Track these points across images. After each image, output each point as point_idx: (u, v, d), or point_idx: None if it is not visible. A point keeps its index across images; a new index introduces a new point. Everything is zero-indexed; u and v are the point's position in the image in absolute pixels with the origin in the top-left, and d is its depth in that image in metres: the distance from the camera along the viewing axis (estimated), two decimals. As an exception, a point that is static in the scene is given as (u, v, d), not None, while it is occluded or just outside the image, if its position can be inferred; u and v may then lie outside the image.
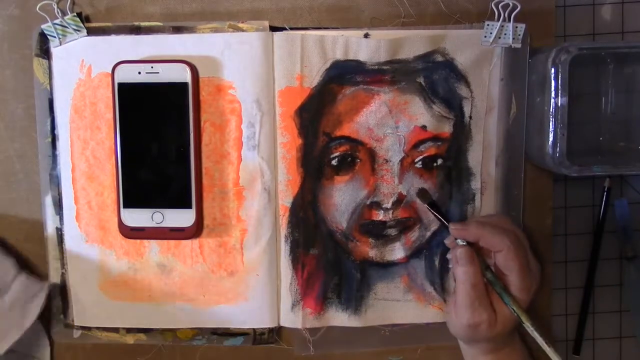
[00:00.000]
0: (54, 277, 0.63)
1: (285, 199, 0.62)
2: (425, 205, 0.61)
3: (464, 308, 0.56)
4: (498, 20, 0.59)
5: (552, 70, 0.55)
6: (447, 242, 0.61)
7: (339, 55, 0.60)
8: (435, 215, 0.60)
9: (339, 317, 0.64)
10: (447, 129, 0.61)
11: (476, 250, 0.57)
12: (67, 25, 0.60)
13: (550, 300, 0.66)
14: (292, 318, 0.63)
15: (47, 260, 0.63)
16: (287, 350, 0.65)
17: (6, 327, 0.58)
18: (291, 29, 0.60)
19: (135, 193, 0.60)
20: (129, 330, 0.65)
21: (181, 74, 0.58)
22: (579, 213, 0.67)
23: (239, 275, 0.62)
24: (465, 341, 0.60)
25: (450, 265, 0.61)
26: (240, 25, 0.60)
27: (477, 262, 0.57)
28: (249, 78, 0.60)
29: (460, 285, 0.56)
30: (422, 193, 0.62)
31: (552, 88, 0.55)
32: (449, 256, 0.61)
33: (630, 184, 0.67)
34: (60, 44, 0.60)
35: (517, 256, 0.56)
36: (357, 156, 0.61)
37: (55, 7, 0.59)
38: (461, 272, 0.56)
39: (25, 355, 0.62)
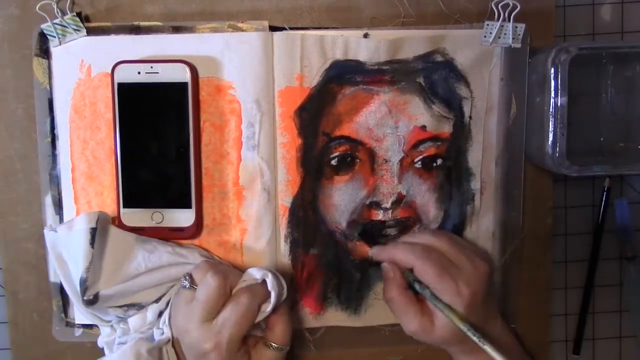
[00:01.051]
0: (54, 277, 0.63)
1: (285, 199, 0.62)
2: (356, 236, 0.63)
3: (400, 319, 0.57)
4: (498, 20, 0.59)
5: (552, 70, 0.55)
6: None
7: (339, 55, 0.60)
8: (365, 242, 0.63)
9: (338, 317, 0.64)
10: (446, 129, 0.61)
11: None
12: (66, 25, 0.60)
13: (550, 300, 0.66)
14: (291, 318, 0.63)
15: (47, 260, 0.63)
16: (286, 350, 0.65)
17: None
18: (291, 28, 0.60)
19: (134, 193, 0.60)
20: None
21: (181, 74, 0.58)
22: (579, 213, 0.67)
23: (239, 275, 0.62)
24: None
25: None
26: (240, 25, 0.60)
27: (397, 276, 0.57)
28: (248, 78, 0.60)
29: (389, 301, 0.58)
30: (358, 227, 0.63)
31: (552, 88, 0.55)
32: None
33: (630, 184, 0.67)
34: (60, 44, 0.60)
35: (429, 268, 0.55)
36: (357, 156, 0.61)
37: (55, 6, 0.59)
38: (385, 288, 0.58)
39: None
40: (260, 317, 0.55)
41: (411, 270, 0.57)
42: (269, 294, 0.55)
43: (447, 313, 0.54)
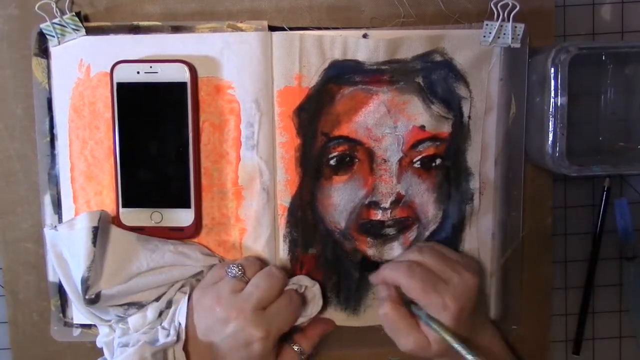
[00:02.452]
0: (53, 276, 0.63)
1: (284, 199, 0.62)
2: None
3: (394, 338, 0.58)
4: (497, 20, 0.59)
5: (552, 70, 0.55)
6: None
7: (338, 55, 0.60)
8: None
9: (337, 317, 0.64)
10: (445, 128, 0.61)
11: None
12: (66, 25, 0.60)
13: (550, 301, 0.66)
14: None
15: (46, 260, 0.63)
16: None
17: None
18: (290, 28, 0.60)
19: (134, 193, 0.60)
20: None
21: (180, 74, 0.58)
22: (579, 213, 0.67)
23: (238, 274, 0.63)
24: None
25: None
26: (239, 25, 0.60)
27: (391, 292, 0.58)
28: (247, 78, 0.60)
29: (383, 321, 0.58)
30: (362, 227, 0.63)
31: (552, 88, 0.55)
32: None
33: (630, 184, 0.67)
34: (59, 44, 0.60)
35: (414, 285, 0.55)
36: (356, 156, 0.61)
37: (54, 6, 0.59)
38: (380, 311, 0.58)
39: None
40: (298, 321, 0.60)
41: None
42: (305, 302, 0.60)
43: (437, 328, 0.54)
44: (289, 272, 0.62)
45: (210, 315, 0.55)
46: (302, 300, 0.60)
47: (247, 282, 0.57)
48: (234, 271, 0.57)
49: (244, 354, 0.54)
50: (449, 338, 0.54)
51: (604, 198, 0.66)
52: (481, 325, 0.59)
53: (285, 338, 0.60)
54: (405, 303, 0.58)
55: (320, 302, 0.61)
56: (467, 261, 0.60)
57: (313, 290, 0.61)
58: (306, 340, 0.61)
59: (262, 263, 0.60)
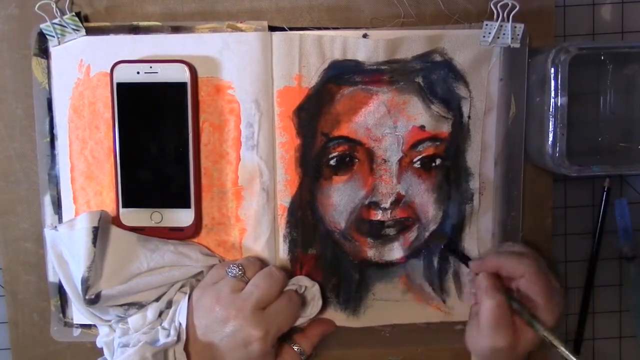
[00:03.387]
0: (53, 276, 0.63)
1: (284, 199, 0.62)
2: (443, 247, 0.62)
3: (490, 333, 0.55)
4: (497, 20, 0.59)
5: (552, 70, 0.55)
6: (469, 277, 0.62)
7: (337, 55, 0.60)
8: (455, 257, 0.62)
9: (337, 318, 0.64)
10: (445, 129, 0.61)
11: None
12: (65, 25, 0.60)
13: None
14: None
15: (46, 260, 0.63)
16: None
17: None
18: (290, 29, 0.60)
19: (134, 193, 0.60)
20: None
21: (180, 74, 0.58)
22: (579, 213, 0.67)
23: (238, 274, 0.63)
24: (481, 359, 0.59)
25: (473, 291, 0.60)
26: (239, 25, 0.60)
27: (502, 290, 0.56)
28: (247, 78, 0.60)
29: (488, 313, 0.55)
30: (438, 235, 0.62)
31: (552, 88, 0.55)
32: (473, 290, 0.60)
33: (630, 184, 0.67)
34: (59, 44, 0.60)
35: (540, 278, 0.55)
36: (356, 156, 0.61)
37: (54, 6, 0.59)
38: (489, 302, 0.55)
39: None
40: (298, 322, 0.60)
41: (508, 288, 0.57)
42: (304, 302, 0.60)
43: (546, 334, 0.54)
44: (289, 273, 0.62)
45: (209, 315, 0.55)
46: (302, 300, 0.59)
47: (247, 282, 0.57)
48: (234, 271, 0.57)
49: (242, 354, 0.54)
50: (553, 339, 0.54)
51: (604, 198, 0.66)
52: None
53: (285, 338, 0.60)
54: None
55: (319, 303, 0.61)
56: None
57: (312, 290, 0.61)
58: (306, 341, 0.61)
59: (262, 263, 0.60)
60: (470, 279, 0.63)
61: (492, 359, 0.56)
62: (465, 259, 0.61)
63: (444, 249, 0.63)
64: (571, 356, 0.53)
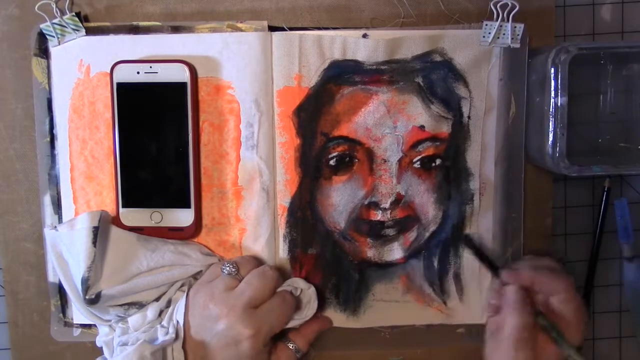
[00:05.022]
0: (53, 277, 0.63)
1: (284, 199, 0.62)
2: (471, 253, 0.61)
3: (512, 350, 0.53)
4: (497, 20, 0.59)
5: (552, 70, 0.55)
6: (494, 285, 0.58)
7: (337, 55, 0.60)
8: (482, 264, 0.59)
9: (337, 318, 0.64)
10: (445, 129, 0.61)
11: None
12: (65, 25, 0.60)
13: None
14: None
15: (46, 260, 0.63)
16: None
17: None
18: (290, 28, 0.60)
19: (134, 193, 0.60)
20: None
21: (180, 74, 0.58)
22: (579, 213, 0.67)
23: (238, 274, 0.63)
24: None
25: (493, 301, 0.56)
26: (239, 25, 0.60)
27: (529, 305, 0.54)
28: (247, 78, 0.60)
29: (513, 330, 0.53)
30: (467, 240, 0.62)
31: (552, 88, 0.55)
32: (493, 301, 0.56)
33: (630, 184, 0.67)
34: (59, 44, 0.60)
35: (575, 298, 0.54)
36: (355, 156, 0.61)
37: (54, 6, 0.59)
38: (516, 319, 0.53)
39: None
40: (292, 323, 0.59)
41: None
42: (299, 305, 0.60)
43: (572, 353, 0.53)
44: (289, 273, 0.63)
45: (203, 312, 0.55)
46: (297, 302, 0.59)
47: (240, 280, 0.57)
48: (228, 269, 0.57)
49: (233, 352, 0.54)
50: (579, 358, 0.53)
51: (604, 198, 0.66)
52: None
53: (280, 336, 0.60)
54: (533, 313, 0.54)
55: (315, 305, 0.60)
56: None
57: (308, 293, 0.61)
58: (301, 338, 0.61)
59: (257, 262, 0.60)
60: (494, 287, 0.58)
61: None
62: (494, 268, 0.58)
63: (472, 253, 0.61)
64: None
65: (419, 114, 0.61)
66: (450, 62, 0.60)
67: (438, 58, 0.60)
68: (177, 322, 0.56)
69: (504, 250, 0.64)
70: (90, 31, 0.60)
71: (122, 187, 0.60)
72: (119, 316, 0.59)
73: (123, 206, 0.60)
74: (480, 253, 0.60)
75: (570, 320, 0.54)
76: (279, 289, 0.58)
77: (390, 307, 0.64)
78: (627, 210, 0.66)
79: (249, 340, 0.54)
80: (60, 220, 0.62)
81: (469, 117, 0.61)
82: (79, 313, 0.62)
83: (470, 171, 0.62)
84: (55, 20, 0.59)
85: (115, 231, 0.59)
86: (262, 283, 0.56)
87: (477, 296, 0.64)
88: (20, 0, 0.61)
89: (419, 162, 0.62)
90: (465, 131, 0.61)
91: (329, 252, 0.63)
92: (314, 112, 0.61)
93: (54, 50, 0.61)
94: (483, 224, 0.63)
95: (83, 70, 0.60)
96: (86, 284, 0.56)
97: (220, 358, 0.54)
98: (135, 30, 0.60)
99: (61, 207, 0.62)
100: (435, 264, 0.64)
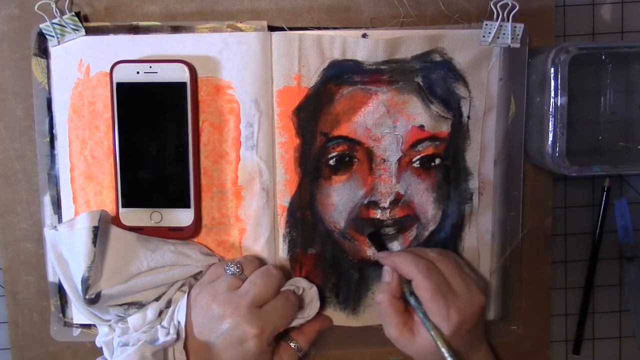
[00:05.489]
0: (53, 276, 0.63)
1: (284, 199, 0.62)
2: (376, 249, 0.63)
3: (382, 321, 0.59)
4: (497, 20, 0.59)
5: (552, 70, 0.55)
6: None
7: (337, 55, 0.60)
8: (373, 245, 0.62)
9: (337, 317, 0.64)
10: (445, 128, 0.61)
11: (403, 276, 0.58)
12: (65, 25, 0.60)
13: (550, 301, 0.66)
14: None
15: (46, 260, 0.63)
16: (285, 350, 0.65)
17: None
18: (290, 28, 0.60)
19: (133, 193, 0.60)
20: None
21: (180, 74, 0.58)
22: (579, 213, 0.67)
23: (238, 274, 0.63)
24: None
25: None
26: (239, 25, 0.60)
27: (393, 282, 0.58)
28: (247, 78, 0.60)
29: (376, 300, 0.59)
30: (372, 237, 0.63)
31: (552, 88, 0.55)
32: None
33: (630, 184, 0.67)
34: (59, 44, 0.60)
35: (427, 286, 0.55)
36: (355, 156, 0.61)
37: (54, 6, 0.59)
38: (382, 288, 0.58)
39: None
40: (295, 323, 0.59)
41: (410, 282, 0.57)
42: (302, 304, 0.60)
43: (433, 334, 0.54)
44: (288, 272, 0.63)
45: (206, 313, 0.55)
46: (300, 302, 0.59)
47: (244, 280, 0.57)
48: (232, 269, 0.57)
49: (238, 352, 0.54)
50: (440, 344, 0.54)
51: (604, 198, 0.66)
52: (477, 343, 0.58)
53: (282, 335, 0.60)
54: (405, 292, 0.58)
55: (317, 305, 0.61)
56: (479, 279, 0.60)
57: (310, 292, 0.61)
58: (303, 337, 0.61)
59: (260, 262, 0.60)
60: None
61: (401, 349, 0.58)
62: (380, 249, 0.62)
63: (368, 237, 0.63)
64: (449, 358, 0.54)
65: (418, 114, 0.61)
66: (450, 62, 0.60)
67: (438, 58, 0.60)
68: (178, 322, 0.56)
69: (503, 250, 0.64)
70: (90, 31, 0.60)
71: (122, 187, 0.60)
72: (119, 316, 0.59)
73: (123, 206, 0.60)
74: (373, 237, 0.63)
75: (428, 306, 0.55)
76: (282, 289, 0.58)
77: (390, 306, 0.64)
78: (627, 210, 0.66)
79: (254, 339, 0.54)
80: (60, 220, 0.62)
81: (468, 117, 0.61)
82: (78, 313, 0.62)
83: (469, 171, 0.62)
84: (55, 20, 0.59)
85: (115, 231, 0.59)
86: (267, 282, 0.56)
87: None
88: (20, 0, 0.61)
89: (418, 162, 0.62)
90: (464, 131, 0.61)
91: (328, 251, 0.63)
92: (314, 112, 0.61)
93: (54, 50, 0.61)
94: (482, 223, 0.63)
95: (83, 70, 0.60)
96: (86, 284, 0.56)
97: (224, 358, 0.55)
98: (135, 30, 0.60)
99: (61, 207, 0.62)
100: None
